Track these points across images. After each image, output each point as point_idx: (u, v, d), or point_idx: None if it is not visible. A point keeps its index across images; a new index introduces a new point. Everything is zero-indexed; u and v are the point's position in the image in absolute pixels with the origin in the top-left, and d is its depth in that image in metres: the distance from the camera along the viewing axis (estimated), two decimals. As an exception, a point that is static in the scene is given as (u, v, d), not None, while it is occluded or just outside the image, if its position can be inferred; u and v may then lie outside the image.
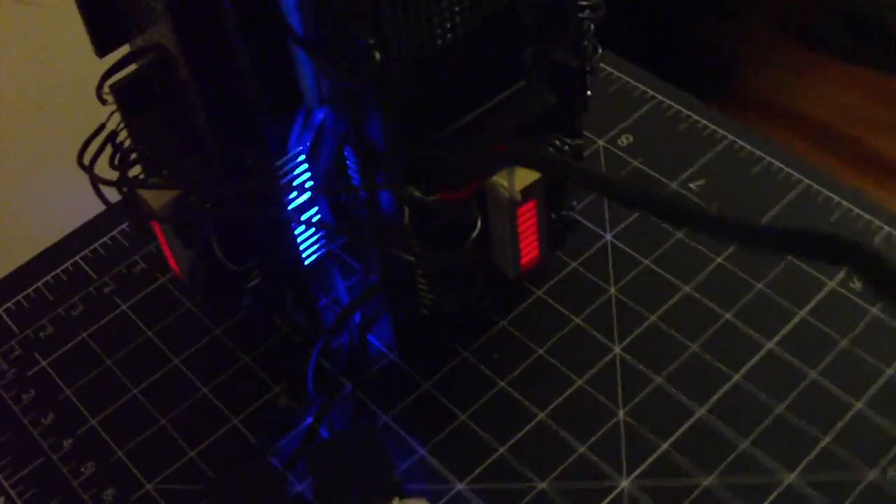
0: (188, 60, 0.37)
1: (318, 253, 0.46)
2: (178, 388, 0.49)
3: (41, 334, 0.52)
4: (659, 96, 0.58)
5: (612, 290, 0.51)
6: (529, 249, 0.45)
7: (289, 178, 0.42)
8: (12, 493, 0.46)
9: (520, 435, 0.46)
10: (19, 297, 0.53)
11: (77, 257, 0.54)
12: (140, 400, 0.49)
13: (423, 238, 0.42)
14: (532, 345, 0.49)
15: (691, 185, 0.54)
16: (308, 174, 0.43)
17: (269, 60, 0.38)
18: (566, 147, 0.44)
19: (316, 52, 0.37)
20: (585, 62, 0.43)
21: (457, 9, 0.37)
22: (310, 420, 0.46)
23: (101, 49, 0.42)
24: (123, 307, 0.52)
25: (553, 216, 0.47)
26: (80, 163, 0.42)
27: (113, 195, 0.44)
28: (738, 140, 0.56)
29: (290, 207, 0.43)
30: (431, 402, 0.48)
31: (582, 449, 0.45)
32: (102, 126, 0.43)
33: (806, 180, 0.53)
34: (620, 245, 0.52)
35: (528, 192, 0.42)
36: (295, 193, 0.43)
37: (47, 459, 0.47)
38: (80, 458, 0.47)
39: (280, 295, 0.46)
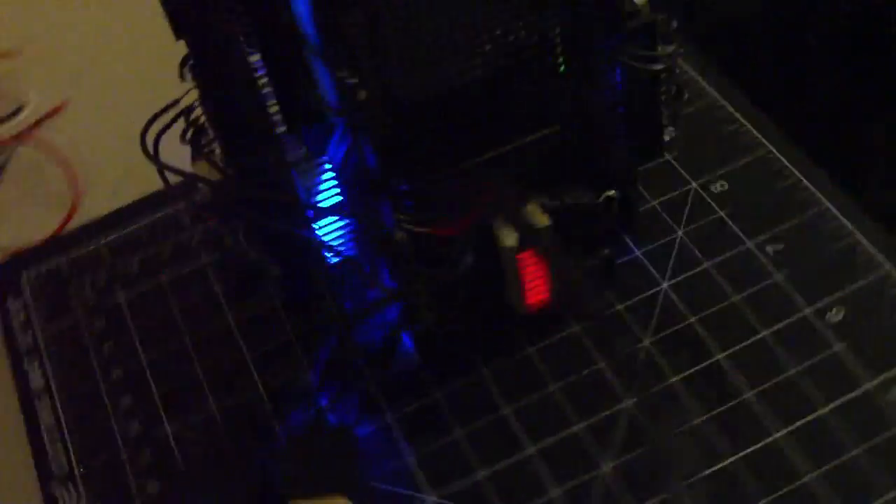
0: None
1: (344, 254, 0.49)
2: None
3: (127, 270, 0.58)
4: (769, 146, 0.56)
5: (647, 342, 0.50)
6: (536, 292, 0.45)
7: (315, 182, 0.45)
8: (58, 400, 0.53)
9: (503, 465, 0.47)
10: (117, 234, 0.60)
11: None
12: (186, 345, 0.54)
13: (421, 260, 0.44)
14: (547, 378, 0.50)
15: (768, 249, 0.52)
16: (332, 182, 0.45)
17: (282, 75, 0.40)
18: (581, 201, 0.44)
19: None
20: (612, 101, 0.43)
21: (454, 55, 0.38)
22: (313, 410, 0.49)
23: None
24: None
25: (588, 259, 0.48)
26: (142, 144, 0.45)
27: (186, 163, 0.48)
28: (831, 208, 0.53)
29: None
30: (436, 410, 0.50)
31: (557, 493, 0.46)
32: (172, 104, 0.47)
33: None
34: (673, 297, 0.51)
35: (527, 241, 0.42)
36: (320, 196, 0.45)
37: (96, 385, 0.53)
38: (124, 389, 0.53)
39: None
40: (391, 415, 0.49)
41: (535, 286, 0.45)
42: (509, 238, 0.42)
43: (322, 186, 0.45)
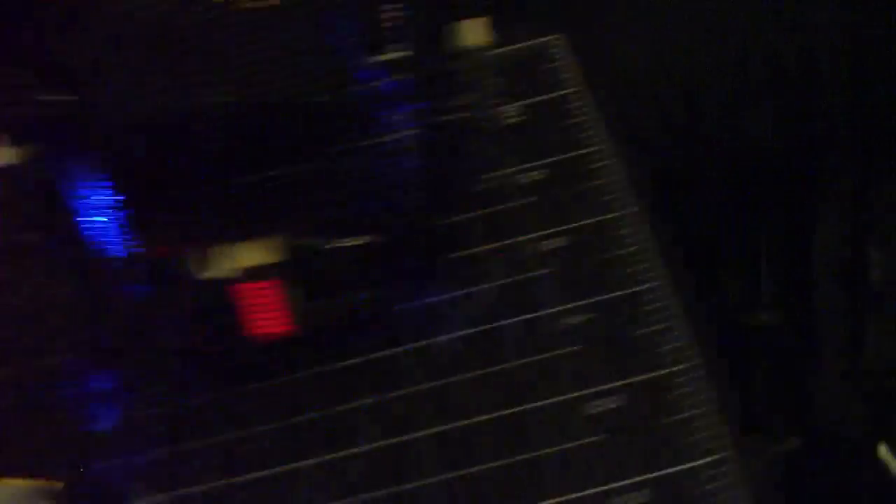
0: None
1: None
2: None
3: None
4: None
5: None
6: (266, 324, 0.45)
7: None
8: None
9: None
10: None
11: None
12: None
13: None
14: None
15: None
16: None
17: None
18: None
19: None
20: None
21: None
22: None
23: None
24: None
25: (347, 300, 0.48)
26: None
27: None
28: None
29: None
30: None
31: None
32: None
33: None
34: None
35: (253, 273, 0.42)
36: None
37: None
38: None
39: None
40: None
41: (265, 318, 0.44)
42: (221, 270, 0.42)
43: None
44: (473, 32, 0.47)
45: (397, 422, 0.49)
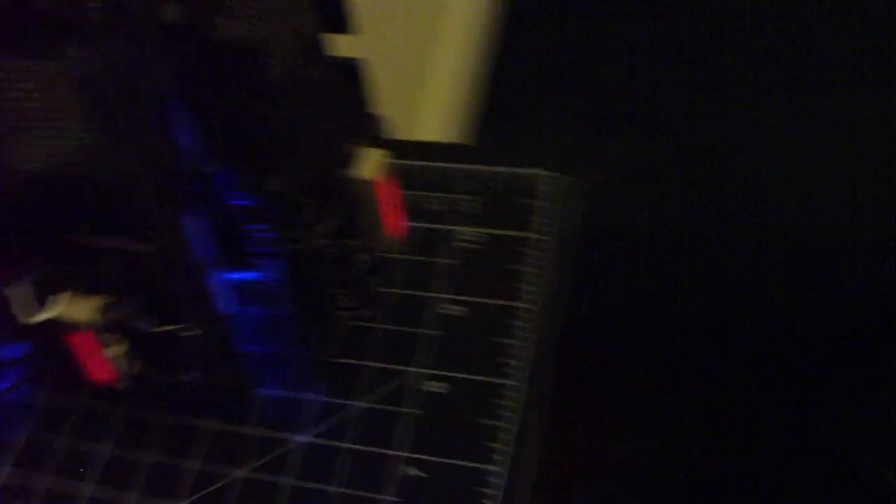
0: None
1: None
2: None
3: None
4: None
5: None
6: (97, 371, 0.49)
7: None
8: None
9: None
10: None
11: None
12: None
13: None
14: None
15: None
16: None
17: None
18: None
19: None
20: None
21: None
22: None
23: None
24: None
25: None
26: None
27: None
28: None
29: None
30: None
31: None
32: None
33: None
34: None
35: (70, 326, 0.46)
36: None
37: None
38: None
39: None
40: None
41: (96, 365, 0.49)
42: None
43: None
44: (369, 164, 0.48)
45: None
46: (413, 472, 0.51)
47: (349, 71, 0.47)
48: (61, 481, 0.54)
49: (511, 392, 0.53)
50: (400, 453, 0.52)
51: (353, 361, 0.55)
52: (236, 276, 0.48)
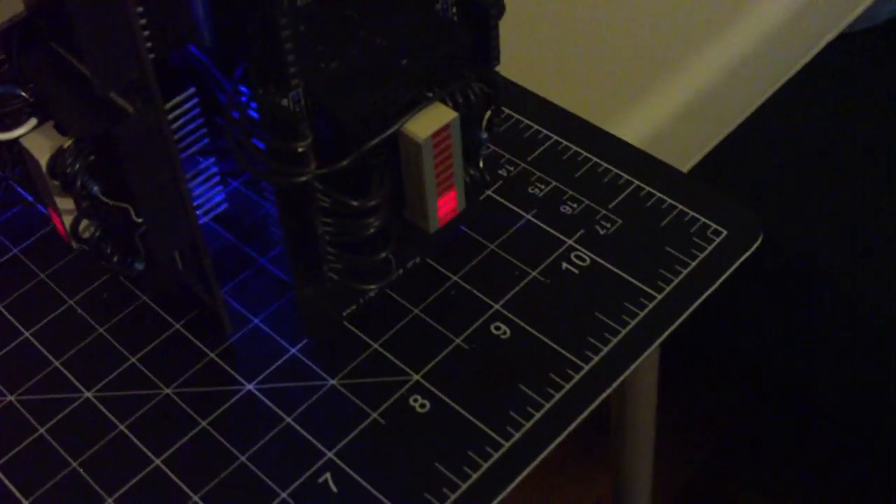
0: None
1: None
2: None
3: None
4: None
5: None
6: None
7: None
8: None
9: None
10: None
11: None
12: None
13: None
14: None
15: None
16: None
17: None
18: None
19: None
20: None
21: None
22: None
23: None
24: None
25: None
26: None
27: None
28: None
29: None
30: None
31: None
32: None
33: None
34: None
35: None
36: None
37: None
38: None
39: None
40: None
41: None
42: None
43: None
44: (432, 124, 0.42)
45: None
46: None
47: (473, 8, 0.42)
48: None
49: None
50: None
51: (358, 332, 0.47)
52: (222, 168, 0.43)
